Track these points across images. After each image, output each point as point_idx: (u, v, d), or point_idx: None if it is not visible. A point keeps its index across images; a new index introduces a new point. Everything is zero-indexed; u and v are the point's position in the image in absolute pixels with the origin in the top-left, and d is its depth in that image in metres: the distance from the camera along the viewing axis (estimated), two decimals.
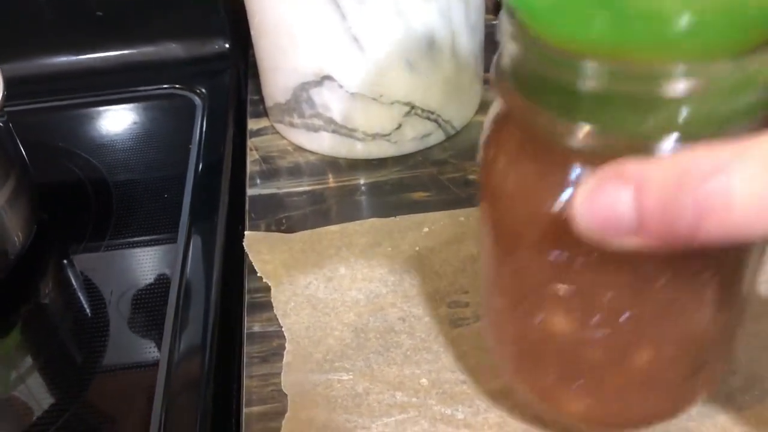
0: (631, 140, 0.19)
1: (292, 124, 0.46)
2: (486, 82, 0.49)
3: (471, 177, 0.44)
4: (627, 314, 0.23)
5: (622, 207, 0.17)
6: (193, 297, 0.39)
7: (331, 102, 0.43)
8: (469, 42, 0.44)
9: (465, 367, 0.32)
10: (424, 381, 0.32)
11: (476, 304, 0.35)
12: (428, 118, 0.44)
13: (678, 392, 0.26)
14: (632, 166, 0.17)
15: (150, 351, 0.37)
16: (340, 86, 0.42)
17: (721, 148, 0.16)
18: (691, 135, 0.18)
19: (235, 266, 0.40)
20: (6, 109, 0.38)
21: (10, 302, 0.40)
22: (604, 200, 0.17)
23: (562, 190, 0.21)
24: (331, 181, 0.45)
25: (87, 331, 0.39)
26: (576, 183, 0.21)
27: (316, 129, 0.45)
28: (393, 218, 0.40)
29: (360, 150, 0.45)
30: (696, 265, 0.22)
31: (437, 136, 0.46)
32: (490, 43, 0.48)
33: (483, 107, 0.49)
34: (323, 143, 0.46)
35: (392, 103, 0.43)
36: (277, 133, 0.49)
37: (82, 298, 0.42)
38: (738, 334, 0.27)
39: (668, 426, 0.29)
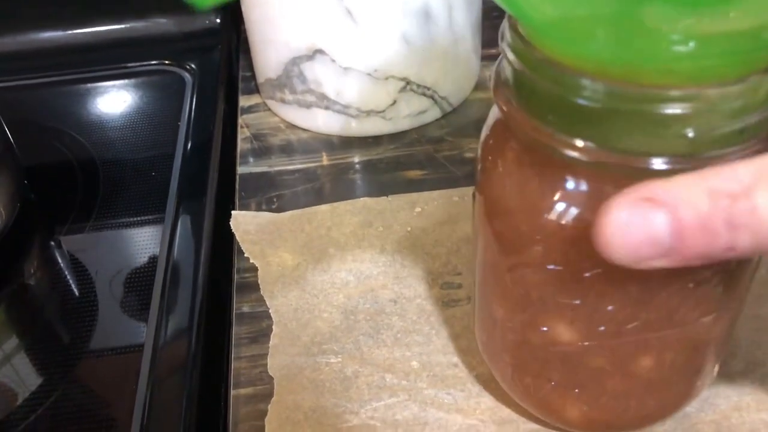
0: (628, 156, 0.19)
1: (283, 101, 0.45)
2: (484, 58, 0.48)
3: (467, 155, 0.42)
4: (632, 324, 0.22)
5: (659, 230, 0.17)
6: (181, 278, 0.38)
7: (323, 77, 0.42)
8: (466, 15, 0.42)
9: (457, 350, 0.31)
10: (414, 363, 0.31)
11: (469, 286, 0.34)
12: (424, 94, 0.43)
13: (677, 393, 0.26)
14: (660, 189, 0.17)
15: (138, 332, 0.36)
16: (333, 61, 0.41)
17: (742, 169, 0.17)
18: (690, 153, 0.19)
19: (224, 246, 0.39)
20: None
21: None
22: (638, 225, 0.17)
23: (560, 201, 0.21)
24: (324, 160, 0.44)
25: (73, 312, 0.38)
26: (574, 195, 0.21)
27: (308, 105, 0.44)
28: (385, 198, 0.39)
29: (354, 127, 0.44)
30: (700, 274, 0.21)
31: (433, 113, 0.45)
32: (488, 17, 0.47)
33: (480, 84, 0.47)
34: (316, 120, 0.44)
35: (387, 79, 0.42)
36: (269, 110, 0.47)
37: (68, 278, 0.41)
38: (731, 331, 0.26)
39: (667, 420, 0.28)
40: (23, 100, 0.49)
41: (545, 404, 0.27)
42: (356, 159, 0.43)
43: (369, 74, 0.41)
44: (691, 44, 0.17)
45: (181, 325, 0.35)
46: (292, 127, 0.46)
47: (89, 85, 0.52)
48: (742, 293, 0.24)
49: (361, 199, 0.39)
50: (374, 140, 0.44)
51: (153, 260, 0.39)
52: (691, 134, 0.19)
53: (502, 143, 0.23)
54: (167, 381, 0.33)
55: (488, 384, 0.30)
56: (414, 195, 0.39)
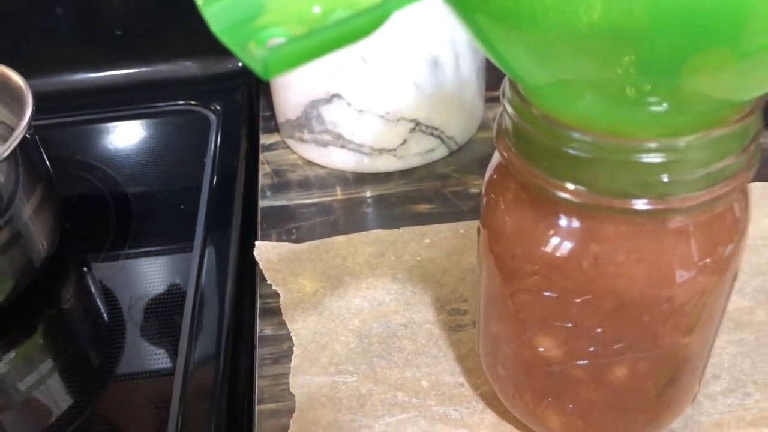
0: (613, 198, 0.22)
1: (302, 140, 0.48)
2: (488, 100, 0.51)
3: (473, 191, 0.46)
4: (617, 345, 0.25)
5: None
6: (208, 305, 0.41)
7: (340, 119, 0.46)
8: (471, 63, 0.46)
9: (463, 370, 0.34)
10: (424, 383, 0.34)
11: (474, 312, 0.37)
12: (432, 134, 0.47)
13: (652, 407, 0.28)
14: None
15: (164, 356, 0.39)
16: (349, 104, 0.45)
17: None
18: (666, 195, 0.22)
19: (248, 273, 0.42)
20: (33, 123, 0.41)
21: (34, 307, 0.42)
22: None
23: (554, 236, 0.24)
24: (339, 194, 0.47)
25: (104, 337, 0.41)
26: (566, 230, 0.24)
27: (325, 144, 0.47)
28: (396, 230, 0.42)
29: (367, 164, 0.47)
30: (678, 300, 0.24)
31: (441, 151, 0.48)
32: (492, 64, 0.51)
33: (484, 124, 0.51)
34: (332, 158, 0.48)
35: (398, 120, 0.45)
36: (288, 147, 0.51)
37: (100, 305, 0.44)
38: (709, 351, 0.28)
39: None
40: (61, 136, 0.53)
41: (543, 420, 0.29)
42: (369, 194, 0.46)
43: (382, 116, 0.45)
44: (664, 105, 0.21)
45: (210, 349, 0.38)
46: (310, 163, 0.49)
47: (121, 123, 0.56)
48: (717, 318, 0.26)
49: (374, 231, 0.42)
50: (386, 176, 0.47)
51: (181, 289, 0.42)
52: (665, 179, 0.22)
53: (503, 183, 0.26)
54: (197, 401, 0.36)
55: (491, 402, 0.33)
56: (423, 227, 0.42)
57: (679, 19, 0.17)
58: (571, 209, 0.24)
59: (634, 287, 0.24)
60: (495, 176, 0.27)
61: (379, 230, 0.42)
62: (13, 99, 0.42)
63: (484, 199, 0.27)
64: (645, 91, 0.20)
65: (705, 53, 0.18)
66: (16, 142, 0.37)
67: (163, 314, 0.41)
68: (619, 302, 0.24)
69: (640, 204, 0.22)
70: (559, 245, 0.24)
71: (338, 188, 0.47)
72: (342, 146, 0.47)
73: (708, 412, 0.32)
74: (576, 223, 0.24)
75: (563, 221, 0.24)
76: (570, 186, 0.23)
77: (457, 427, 0.32)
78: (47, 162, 0.44)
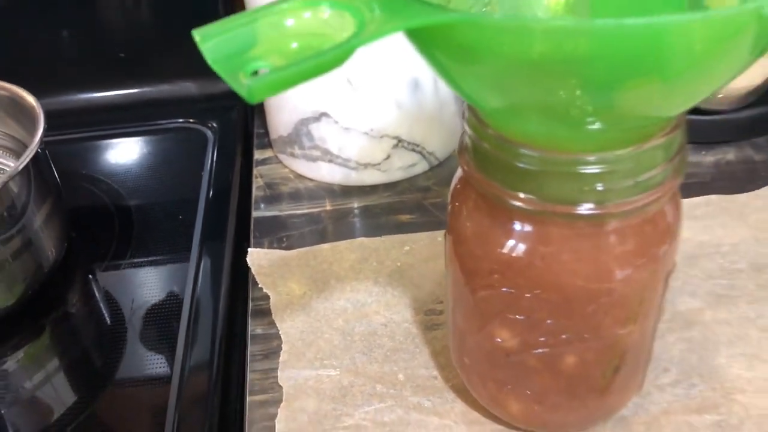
0: (558, 204, 0.25)
1: (293, 155, 0.52)
2: None
3: None
4: (564, 335, 0.29)
5: None
6: (203, 310, 0.44)
7: (327, 136, 0.49)
8: None
9: (437, 365, 0.37)
10: (401, 376, 0.37)
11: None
12: (414, 150, 0.50)
13: (601, 393, 0.31)
14: None
15: (162, 359, 0.42)
16: (336, 122, 0.48)
17: None
18: (603, 201, 0.25)
19: (241, 279, 0.45)
20: (44, 140, 0.44)
21: (42, 309, 0.45)
22: None
23: (510, 239, 0.27)
24: (327, 205, 0.50)
25: (107, 339, 0.44)
26: (520, 234, 0.27)
27: (314, 159, 0.51)
28: (379, 238, 0.45)
29: (353, 177, 0.51)
30: (616, 295, 0.27)
31: (422, 166, 0.51)
32: None
33: None
34: (321, 171, 0.51)
35: (382, 137, 0.49)
36: (280, 162, 0.54)
37: (103, 309, 0.47)
38: (651, 342, 0.32)
39: (606, 423, 0.34)
40: (68, 152, 0.56)
41: (504, 406, 0.33)
42: (355, 205, 0.50)
43: (366, 133, 0.48)
44: (601, 124, 0.24)
45: (205, 351, 0.41)
46: (300, 177, 0.53)
47: (125, 139, 0.60)
48: (654, 312, 0.30)
49: (359, 238, 0.46)
50: (371, 189, 0.51)
51: (179, 294, 0.45)
52: (601, 188, 0.25)
53: (465, 193, 0.29)
54: (194, 397, 0.39)
55: (461, 393, 0.36)
56: (404, 236, 0.45)
57: (615, 51, 0.20)
58: (522, 215, 0.27)
59: (577, 283, 0.27)
60: (458, 186, 0.30)
61: (363, 238, 0.46)
62: (26, 117, 0.46)
63: (449, 207, 0.30)
64: (585, 112, 0.24)
65: (635, 78, 0.21)
66: (29, 158, 0.41)
67: (162, 319, 0.44)
68: (564, 296, 0.27)
69: (580, 209, 0.26)
70: (512, 247, 0.27)
71: (326, 200, 0.51)
72: (330, 161, 0.50)
73: (657, 401, 0.35)
74: (527, 227, 0.27)
75: (516, 226, 0.27)
76: (521, 195, 0.26)
77: (429, 415, 0.35)
78: (56, 175, 0.47)
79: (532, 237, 0.27)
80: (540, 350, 0.29)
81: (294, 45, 0.20)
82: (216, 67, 0.19)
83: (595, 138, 0.25)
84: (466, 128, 0.27)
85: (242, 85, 0.18)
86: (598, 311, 0.28)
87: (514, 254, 0.27)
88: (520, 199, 0.26)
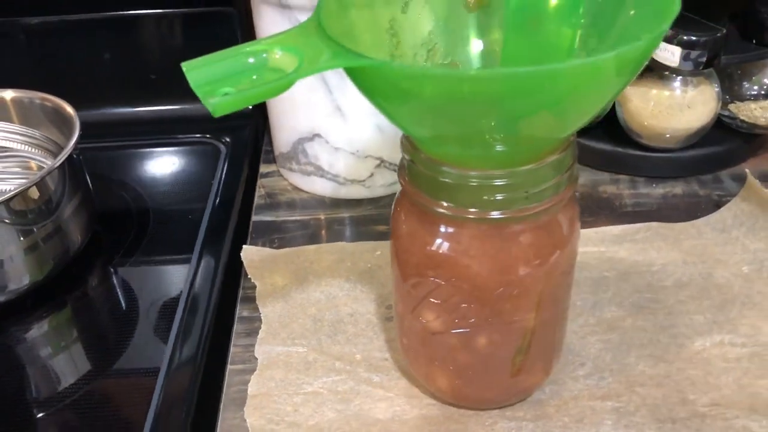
0: (474, 211, 0.32)
1: (291, 169, 0.60)
2: None
3: None
4: (474, 318, 0.35)
5: None
6: (200, 299, 0.50)
7: (320, 154, 0.57)
8: None
9: (389, 349, 0.44)
10: (358, 356, 0.44)
11: None
12: (394, 170, 0.57)
13: (511, 372, 0.37)
14: None
15: (162, 345, 0.48)
16: (327, 142, 0.56)
17: None
18: (511, 207, 0.32)
19: (236, 272, 0.52)
20: (79, 146, 0.52)
21: (66, 287, 0.53)
22: None
23: (437, 239, 0.34)
24: (318, 214, 0.57)
25: (117, 323, 0.51)
26: (445, 234, 0.34)
27: (308, 174, 0.58)
28: (355, 243, 0.53)
29: (342, 192, 0.58)
30: (519, 287, 0.34)
31: None
32: None
33: None
34: (314, 185, 0.59)
35: (366, 157, 0.56)
36: (281, 176, 0.62)
37: (118, 293, 0.54)
38: (557, 333, 0.38)
39: (523, 403, 0.40)
40: (100, 158, 0.64)
41: (433, 380, 0.39)
42: (341, 215, 0.57)
43: (353, 153, 0.56)
44: (507, 146, 0.31)
45: (197, 328, 0.48)
46: (297, 189, 0.60)
47: (149, 149, 0.68)
48: (554, 306, 0.36)
49: (340, 243, 0.53)
50: (356, 202, 0.58)
51: (182, 284, 0.52)
52: (501, 197, 0.32)
53: (402, 202, 0.36)
54: (183, 362, 0.46)
55: (406, 372, 0.42)
56: (377, 242, 0.52)
57: (521, 91, 0.27)
58: (446, 220, 0.34)
59: (482, 274, 0.34)
60: (398, 197, 0.37)
61: (342, 242, 0.53)
62: (65, 125, 0.54)
63: (392, 212, 0.37)
64: (495, 139, 0.31)
65: (540, 108, 0.28)
66: (64, 158, 0.49)
67: (165, 305, 0.51)
68: (473, 285, 0.34)
69: (495, 214, 0.32)
70: (436, 244, 0.34)
71: (317, 210, 0.58)
72: (321, 176, 0.58)
73: (570, 389, 0.41)
74: (451, 229, 0.34)
75: (442, 228, 0.34)
76: (444, 204, 0.33)
77: (376, 388, 0.42)
78: (87, 175, 0.55)
79: (450, 236, 0.34)
80: (457, 330, 0.36)
81: (254, 77, 0.27)
82: (196, 90, 0.27)
83: (501, 158, 0.32)
84: (402, 150, 0.34)
85: (210, 104, 0.25)
86: (500, 299, 0.34)
87: (435, 250, 0.34)
88: (443, 207, 0.33)
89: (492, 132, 0.30)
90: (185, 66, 0.27)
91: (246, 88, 0.26)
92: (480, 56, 0.37)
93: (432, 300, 0.36)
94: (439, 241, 0.34)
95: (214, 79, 0.27)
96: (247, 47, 0.28)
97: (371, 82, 0.29)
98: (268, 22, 0.52)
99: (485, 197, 0.32)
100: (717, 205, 0.55)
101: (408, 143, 0.34)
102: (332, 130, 0.55)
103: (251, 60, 0.27)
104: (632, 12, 0.31)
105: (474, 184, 0.32)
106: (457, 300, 0.35)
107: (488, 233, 0.33)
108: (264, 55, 0.27)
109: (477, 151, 0.32)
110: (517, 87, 0.27)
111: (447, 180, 0.32)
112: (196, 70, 0.27)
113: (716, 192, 0.57)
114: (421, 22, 0.36)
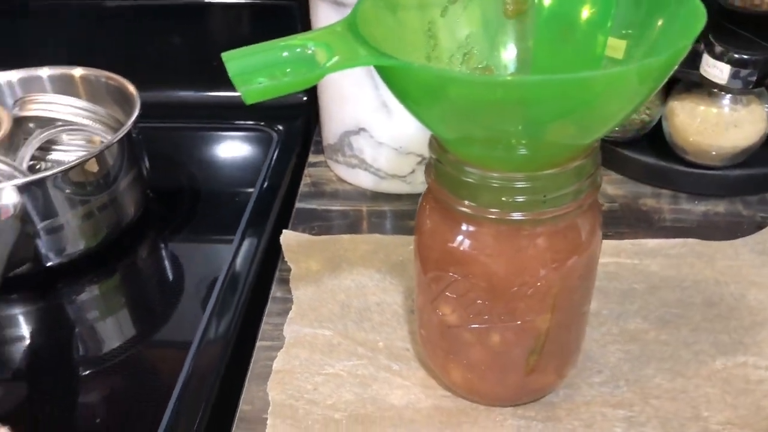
0: (495, 211, 0.33)
1: (337, 161, 0.62)
2: None
3: None
4: (488, 315, 0.36)
5: None
6: (239, 278, 0.53)
7: (364, 148, 0.58)
8: None
9: (411, 340, 0.46)
10: (380, 344, 0.45)
11: None
12: None
13: (523, 371, 0.38)
14: None
15: (199, 315, 0.50)
16: (371, 137, 0.57)
17: None
18: (529, 210, 0.33)
19: (274, 255, 0.54)
20: (138, 125, 0.56)
21: (117, 256, 0.56)
22: None
23: (458, 236, 0.35)
24: (358, 206, 0.59)
25: (163, 294, 0.54)
26: (466, 232, 0.35)
27: (353, 166, 0.60)
28: (390, 236, 0.54)
29: (383, 185, 0.60)
30: (534, 286, 0.35)
31: None
32: None
33: None
34: (357, 177, 0.61)
35: (408, 154, 0.57)
36: (328, 166, 0.64)
37: (166, 265, 0.58)
38: (574, 335, 0.39)
39: (536, 404, 0.41)
40: (159, 137, 0.67)
41: (447, 372, 0.40)
42: (381, 208, 0.59)
43: (396, 149, 0.57)
44: (531, 150, 0.32)
45: (232, 304, 0.50)
46: (341, 180, 0.62)
47: (205, 133, 0.72)
48: (570, 309, 0.37)
49: (375, 234, 0.55)
50: (397, 197, 0.60)
51: (224, 263, 0.55)
52: (521, 199, 0.33)
53: (428, 199, 0.38)
54: (215, 343, 0.48)
55: (424, 364, 0.44)
56: (412, 237, 0.53)
57: (550, 96, 0.28)
58: (469, 219, 0.35)
59: (499, 273, 0.35)
60: (425, 194, 0.38)
61: (378, 234, 0.54)
62: (127, 103, 0.57)
63: (418, 208, 0.39)
64: (518, 143, 0.32)
65: (564, 115, 0.29)
66: (122, 134, 0.52)
67: (206, 281, 0.54)
68: (489, 283, 0.35)
69: (516, 216, 0.33)
70: (456, 241, 0.36)
71: (359, 201, 0.60)
72: (365, 169, 0.59)
73: (584, 394, 0.42)
74: (472, 228, 0.35)
75: (464, 226, 0.35)
76: (467, 203, 0.34)
77: (394, 375, 0.43)
78: (145, 154, 0.59)
79: (470, 235, 0.35)
80: (473, 326, 0.37)
81: (288, 69, 0.29)
82: (233, 79, 0.29)
83: (522, 161, 0.33)
84: (430, 151, 0.36)
85: (243, 90, 0.27)
86: (514, 298, 0.35)
87: (455, 246, 0.36)
88: (466, 206, 0.34)
89: (514, 137, 0.31)
90: (225, 56, 0.29)
91: (275, 80, 0.28)
92: (513, 62, 0.38)
93: (448, 294, 0.37)
94: (459, 238, 0.35)
95: (251, 70, 0.29)
96: (282, 42, 0.29)
97: (398, 82, 0.30)
98: (323, 17, 0.54)
99: (504, 198, 0.33)
100: (760, 226, 0.54)
101: (436, 143, 0.35)
102: (377, 126, 0.57)
103: (285, 54, 0.29)
104: (660, 23, 0.31)
105: (495, 185, 0.33)
106: (473, 296, 0.36)
107: (507, 234, 0.34)
108: (298, 49, 0.29)
109: (500, 154, 0.33)
110: (543, 94, 0.28)
111: (470, 180, 0.34)
112: (235, 60, 0.29)
113: (760, 213, 0.56)
114: (459, 27, 0.37)
